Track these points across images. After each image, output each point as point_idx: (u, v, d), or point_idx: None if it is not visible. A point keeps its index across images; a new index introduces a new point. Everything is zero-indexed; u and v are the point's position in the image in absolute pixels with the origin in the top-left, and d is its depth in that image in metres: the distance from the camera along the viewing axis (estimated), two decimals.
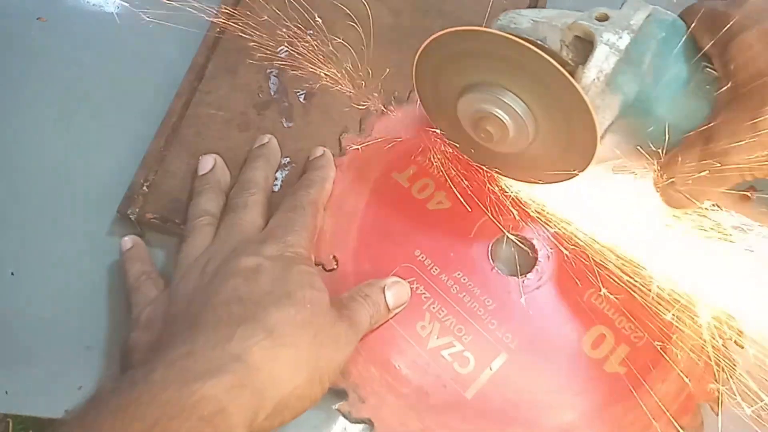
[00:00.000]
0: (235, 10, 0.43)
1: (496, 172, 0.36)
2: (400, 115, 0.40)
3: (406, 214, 0.38)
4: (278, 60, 0.42)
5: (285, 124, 0.41)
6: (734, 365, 0.33)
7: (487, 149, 0.33)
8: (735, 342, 0.34)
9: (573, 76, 0.28)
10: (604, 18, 0.29)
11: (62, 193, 0.41)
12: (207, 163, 0.38)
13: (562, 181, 0.33)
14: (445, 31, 0.30)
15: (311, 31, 0.43)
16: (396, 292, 0.34)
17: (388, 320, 0.34)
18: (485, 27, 0.30)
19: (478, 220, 0.37)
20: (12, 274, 0.38)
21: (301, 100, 0.42)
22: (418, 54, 0.32)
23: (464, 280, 0.36)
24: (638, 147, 0.31)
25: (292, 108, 0.41)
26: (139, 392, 0.24)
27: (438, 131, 0.37)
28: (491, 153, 0.34)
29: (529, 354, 0.34)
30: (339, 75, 0.41)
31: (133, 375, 0.26)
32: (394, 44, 0.43)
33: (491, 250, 0.37)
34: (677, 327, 0.34)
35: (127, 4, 0.44)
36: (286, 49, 0.43)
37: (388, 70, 0.41)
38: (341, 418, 0.34)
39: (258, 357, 0.27)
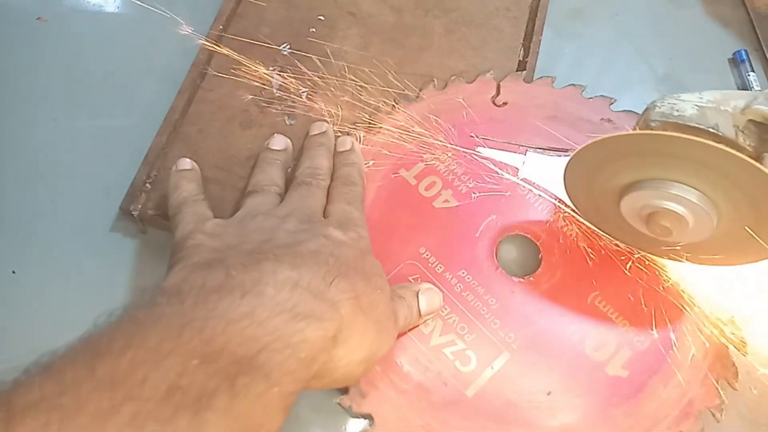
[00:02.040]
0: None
1: (674, 259, 0.35)
2: (410, 112, 0.41)
3: (413, 211, 0.38)
4: (280, 57, 0.43)
5: (287, 122, 0.41)
6: (736, 372, 0.33)
7: (665, 243, 0.32)
8: (738, 350, 0.34)
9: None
10: None
11: (63, 190, 0.40)
12: (281, 141, 0.38)
13: (751, 263, 0.31)
14: (606, 136, 0.29)
15: (313, 29, 0.44)
16: (429, 298, 0.34)
17: (417, 326, 0.34)
18: (647, 126, 0.28)
19: (484, 220, 0.37)
20: (13, 272, 0.38)
21: (303, 98, 0.42)
22: (571, 157, 0.31)
23: (468, 278, 0.36)
24: None
25: (294, 106, 0.41)
26: (251, 307, 0.24)
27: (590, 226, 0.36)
28: (667, 243, 0.32)
29: (531, 354, 0.34)
30: (341, 73, 0.42)
31: (241, 278, 0.25)
32: (396, 42, 0.44)
33: (496, 249, 0.37)
34: (681, 331, 0.34)
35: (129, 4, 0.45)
36: (289, 46, 0.43)
37: (391, 67, 0.42)
38: (344, 416, 0.34)
39: (347, 313, 0.27)
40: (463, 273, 0.36)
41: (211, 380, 0.21)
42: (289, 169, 0.38)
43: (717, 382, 0.33)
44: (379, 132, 0.40)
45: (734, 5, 0.48)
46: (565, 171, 0.33)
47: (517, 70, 0.42)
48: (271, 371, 0.23)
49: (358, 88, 0.41)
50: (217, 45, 0.43)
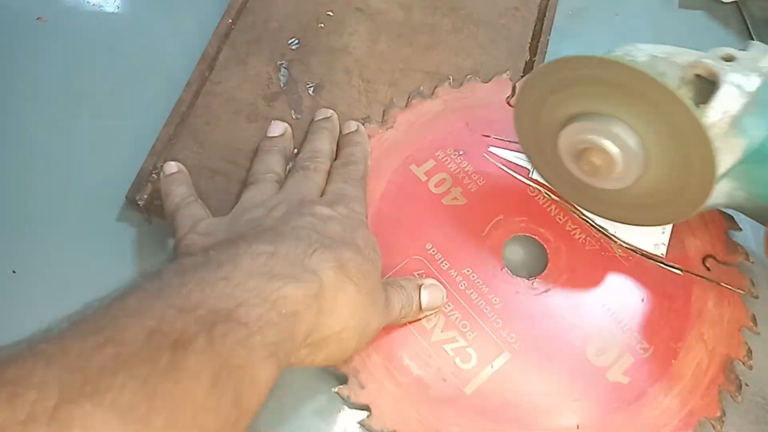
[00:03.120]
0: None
1: (592, 212, 0.36)
2: (423, 109, 0.41)
3: (421, 207, 0.38)
4: (288, 52, 0.43)
5: (294, 116, 0.41)
6: (740, 385, 0.33)
7: (585, 187, 0.32)
8: (743, 362, 0.33)
9: None
10: (730, 58, 0.29)
11: (65, 188, 0.40)
12: (278, 127, 0.39)
13: (662, 224, 0.32)
14: (561, 58, 0.29)
15: (322, 24, 0.44)
16: (431, 293, 0.34)
17: (418, 320, 0.34)
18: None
19: (492, 219, 0.37)
20: (13, 272, 0.38)
21: (311, 92, 0.42)
22: (523, 81, 0.31)
23: (473, 276, 0.36)
24: (754, 199, 0.30)
25: (301, 100, 0.42)
26: (227, 273, 0.25)
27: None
28: (590, 192, 0.33)
29: (532, 355, 0.34)
30: (349, 69, 0.42)
31: (218, 255, 0.26)
32: (404, 39, 0.44)
33: (503, 249, 0.37)
34: (685, 340, 0.34)
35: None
36: (297, 41, 0.43)
37: (399, 64, 0.42)
38: (342, 406, 0.34)
39: (330, 279, 0.28)
40: (468, 271, 0.36)
41: (190, 326, 0.22)
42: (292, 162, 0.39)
43: (719, 394, 0.32)
44: (391, 127, 0.40)
45: (734, 5, 0.48)
46: (518, 92, 0.32)
47: (524, 71, 0.42)
48: (250, 321, 0.24)
49: (366, 83, 0.42)
50: (225, 40, 0.43)
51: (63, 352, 0.20)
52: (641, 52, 0.30)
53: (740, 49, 0.30)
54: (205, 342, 0.22)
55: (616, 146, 0.29)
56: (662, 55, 0.29)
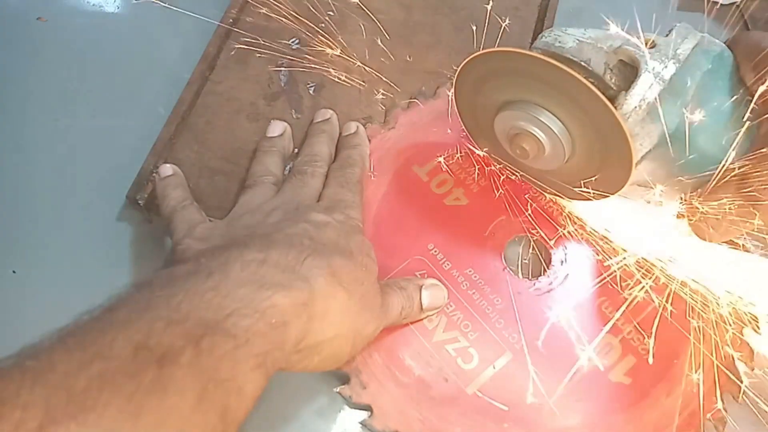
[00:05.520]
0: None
1: (531, 183, 0.36)
2: (425, 109, 0.41)
3: (423, 207, 0.38)
4: (289, 52, 0.43)
5: (294, 116, 0.41)
6: (740, 386, 0.33)
7: (522, 163, 0.33)
8: (745, 363, 0.33)
9: (614, 102, 0.28)
10: (651, 45, 0.29)
11: (65, 188, 0.41)
12: (277, 127, 0.39)
13: (592, 200, 0.33)
14: (487, 50, 0.30)
15: (323, 24, 0.44)
16: (432, 293, 0.34)
17: (419, 320, 0.34)
18: (528, 47, 0.30)
19: (494, 220, 0.37)
20: (13, 272, 0.38)
21: (311, 92, 0.42)
22: (458, 69, 0.32)
23: (475, 277, 0.36)
24: (673, 177, 0.31)
25: (301, 100, 0.42)
26: (216, 282, 0.25)
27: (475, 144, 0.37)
28: (527, 167, 0.34)
29: (534, 356, 0.34)
30: (349, 68, 0.42)
31: (208, 263, 0.26)
32: (405, 39, 0.44)
33: (505, 250, 0.36)
34: (687, 341, 0.34)
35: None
36: (298, 41, 0.43)
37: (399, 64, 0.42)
38: (343, 406, 0.34)
39: (321, 286, 0.28)
40: (470, 271, 0.36)
41: (177, 340, 0.22)
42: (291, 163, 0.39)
43: (721, 394, 0.32)
44: (393, 128, 0.40)
45: (733, 6, 0.48)
46: (455, 78, 0.33)
47: None
48: (238, 333, 0.24)
49: (367, 83, 0.42)
50: (225, 40, 0.43)
51: (50, 368, 0.20)
52: (569, 38, 0.30)
53: (666, 34, 0.30)
54: (191, 355, 0.22)
55: (543, 133, 0.30)
56: (589, 41, 0.30)
